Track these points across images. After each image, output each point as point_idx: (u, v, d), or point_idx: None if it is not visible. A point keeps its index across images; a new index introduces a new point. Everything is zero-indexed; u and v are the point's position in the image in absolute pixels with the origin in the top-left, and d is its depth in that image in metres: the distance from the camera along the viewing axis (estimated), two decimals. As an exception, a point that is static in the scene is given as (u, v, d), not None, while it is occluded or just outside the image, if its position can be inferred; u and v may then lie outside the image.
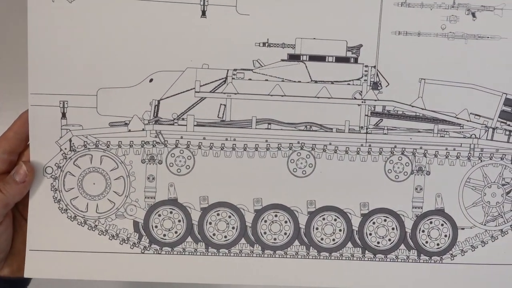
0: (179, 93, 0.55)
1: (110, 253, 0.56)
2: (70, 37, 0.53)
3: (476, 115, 0.56)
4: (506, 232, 0.58)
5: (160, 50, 0.54)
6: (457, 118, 0.56)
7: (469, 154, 0.57)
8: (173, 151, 0.56)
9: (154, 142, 0.55)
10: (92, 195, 0.56)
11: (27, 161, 0.54)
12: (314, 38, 0.54)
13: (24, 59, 0.53)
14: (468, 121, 0.56)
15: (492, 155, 0.57)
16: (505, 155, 0.57)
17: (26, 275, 0.54)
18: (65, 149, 0.55)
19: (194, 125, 0.55)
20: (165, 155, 0.56)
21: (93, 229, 0.56)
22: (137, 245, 0.56)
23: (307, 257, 0.57)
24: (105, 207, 0.56)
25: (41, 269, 0.55)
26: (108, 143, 0.55)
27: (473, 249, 0.58)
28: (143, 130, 0.55)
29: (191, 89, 0.55)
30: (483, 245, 0.58)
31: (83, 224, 0.55)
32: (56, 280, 0.55)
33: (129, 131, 0.55)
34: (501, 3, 0.54)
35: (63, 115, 0.54)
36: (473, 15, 0.54)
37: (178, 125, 0.55)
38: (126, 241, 0.56)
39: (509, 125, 0.56)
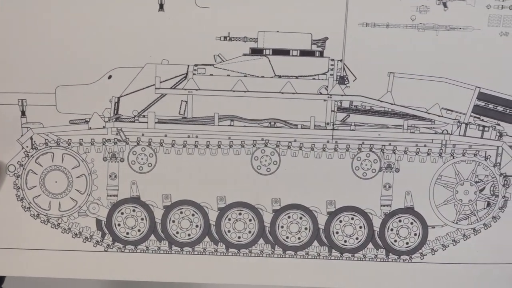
0: (139, 90, 0.52)
1: (73, 251, 0.53)
2: (26, 35, 0.49)
3: (448, 110, 0.52)
4: (479, 231, 0.54)
5: (118, 46, 0.49)
6: (428, 113, 0.52)
7: (441, 151, 0.53)
8: (135, 149, 0.53)
9: (115, 139, 0.53)
10: (54, 193, 0.53)
11: (-7, 159, 0.52)
12: (278, 31, 0.50)
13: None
14: (439, 116, 0.52)
15: (465, 151, 0.53)
16: (478, 151, 0.53)
17: (-11, 273, 0.53)
18: (27, 147, 0.51)
19: (155, 122, 0.52)
20: (126, 152, 0.52)
21: (56, 227, 0.53)
22: (100, 243, 0.53)
23: (272, 255, 0.53)
24: (68, 205, 0.52)
25: (5, 267, 0.52)
26: (69, 141, 0.52)
27: (444, 248, 0.54)
28: (103, 127, 0.52)
29: (151, 85, 0.52)
30: (454, 244, 0.54)
31: (46, 222, 0.53)
32: (22, 278, 0.54)
33: (90, 128, 0.52)
34: (473, -8, 0.49)
35: (23, 113, 0.51)
36: (444, 5, 0.49)
37: (139, 122, 0.52)
38: (89, 239, 0.53)
39: (482, 120, 0.52)
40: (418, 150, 0.52)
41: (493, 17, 0.49)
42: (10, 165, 0.52)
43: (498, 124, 0.52)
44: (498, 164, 0.52)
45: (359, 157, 0.52)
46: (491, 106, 0.51)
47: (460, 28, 0.49)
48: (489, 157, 0.52)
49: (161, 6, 0.50)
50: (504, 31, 0.49)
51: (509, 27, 0.49)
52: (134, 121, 0.52)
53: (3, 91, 0.51)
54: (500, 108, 0.51)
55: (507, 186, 0.52)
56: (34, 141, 0.52)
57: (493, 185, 0.53)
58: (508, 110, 0.51)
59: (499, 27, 0.49)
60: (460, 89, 0.51)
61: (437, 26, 0.49)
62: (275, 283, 0.53)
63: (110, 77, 0.51)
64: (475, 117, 0.52)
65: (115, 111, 0.52)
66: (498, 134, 0.52)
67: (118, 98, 0.51)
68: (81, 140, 0.52)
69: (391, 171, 0.52)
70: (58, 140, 0.52)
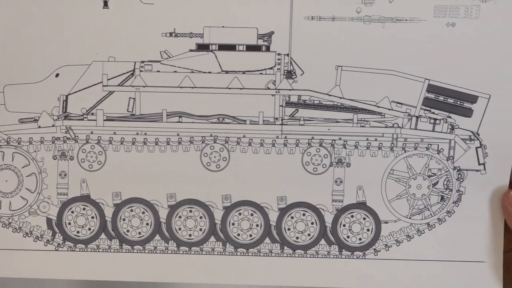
0: (86, 88, 0.51)
1: (24, 250, 0.51)
2: None
3: (398, 103, 0.50)
4: (433, 226, 0.51)
5: (64, 43, 0.48)
6: (378, 106, 0.50)
7: (392, 145, 0.51)
8: (84, 147, 0.51)
9: (65, 138, 0.51)
10: (4, 192, 0.51)
11: None
12: (223, 26, 0.49)
13: None
14: (389, 109, 0.50)
15: (417, 145, 0.51)
16: (430, 144, 0.51)
17: None
18: (-23, 146, 0.52)
19: (104, 120, 0.51)
20: (76, 151, 0.51)
21: (7, 226, 0.51)
22: (51, 242, 0.51)
23: (223, 253, 0.52)
24: (18, 204, 0.51)
25: None
26: (19, 139, 0.51)
27: (398, 244, 0.52)
28: (53, 126, 0.50)
29: (98, 83, 0.51)
30: (409, 239, 0.52)
31: (-4, 222, 0.52)
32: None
33: (39, 127, 0.50)
34: (418, -18, 0.48)
35: None
36: (389, -4, 0.48)
37: (88, 120, 0.50)
38: (40, 239, 0.52)
39: (433, 113, 0.50)
40: (369, 144, 0.50)
41: (438, 8, 0.47)
42: (-39, 165, 0.51)
43: (450, 117, 0.50)
44: (451, 158, 0.50)
45: (309, 152, 0.51)
46: (441, 98, 0.49)
47: (406, 20, 0.48)
48: (441, 150, 0.50)
49: (106, 3, 0.49)
50: (450, 21, 0.47)
51: (456, 17, 0.47)
52: (83, 119, 0.51)
53: (-49, 90, 0.50)
54: (450, 100, 0.49)
55: (461, 180, 0.50)
56: (-16, 141, 0.51)
57: (447, 179, 0.51)
58: (459, 102, 0.49)
59: (445, 17, 0.47)
60: (409, 82, 0.49)
61: (383, 18, 0.48)
62: (226, 282, 0.52)
63: (57, 75, 0.50)
64: (425, 109, 0.50)
65: (64, 109, 0.51)
66: (450, 126, 0.50)
67: (66, 96, 0.50)
68: (31, 139, 0.51)
69: (342, 166, 0.51)
70: (8, 139, 0.51)
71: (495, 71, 0.48)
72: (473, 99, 0.49)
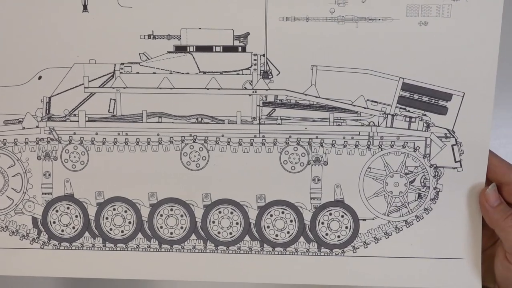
0: (68, 89, 0.51)
1: (10, 248, 0.52)
2: None
3: (373, 101, 0.49)
4: (411, 223, 0.51)
5: (45, 47, 0.49)
6: (354, 105, 0.50)
7: (369, 143, 0.50)
8: (67, 147, 0.52)
9: (48, 138, 0.51)
10: (-9, 192, 0.53)
11: None
12: (200, 28, 0.49)
13: None
14: (365, 108, 0.49)
15: (393, 143, 0.50)
16: (407, 142, 0.50)
17: None
18: (-36, 148, 0.52)
19: (86, 121, 0.51)
20: (59, 151, 0.51)
21: (-6, 225, 0.53)
22: (36, 241, 0.52)
23: (204, 251, 0.51)
24: (4, 203, 0.52)
25: None
26: (4, 140, 0.51)
27: (376, 241, 0.51)
28: (36, 127, 0.51)
29: (80, 85, 0.51)
30: (387, 236, 0.51)
31: (-16, 221, 0.53)
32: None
33: (24, 128, 0.51)
34: (390, -18, 0.47)
35: None
36: (362, -4, 0.48)
37: (71, 121, 0.51)
38: (26, 237, 0.52)
39: (408, 111, 0.50)
40: (345, 142, 0.50)
41: (411, 7, 0.47)
42: (-52, 166, 0.52)
43: (425, 115, 0.49)
44: (427, 155, 0.50)
45: (286, 151, 0.50)
46: (416, 96, 0.49)
47: (379, 20, 0.47)
48: (418, 148, 0.50)
49: (85, 7, 0.49)
50: (423, 20, 0.47)
51: (428, 16, 0.47)
52: (65, 120, 0.51)
53: None
54: (425, 98, 0.49)
55: (438, 177, 0.50)
56: (-29, 142, 0.51)
57: (424, 177, 0.50)
58: (433, 100, 0.48)
59: (417, 16, 0.47)
60: (384, 80, 0.48)
61: (356, 18, 0.47)
62: (207, 279, 0.52)
63: (40, 77, 0.50)
64: (401, 108, 0.49)
65: (47, 110, 0.51)
66: (425, 124, 0.49)
67: (49, 98, 0.51)
68: (15, 140, 0.51)
69: (319, 164, 0.50)
70: (-6, 141, 0.51)
71: (469, 69, 0.47)
72: (447, 97, 0.48)
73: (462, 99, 0.48)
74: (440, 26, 0.46)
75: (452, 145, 0.49)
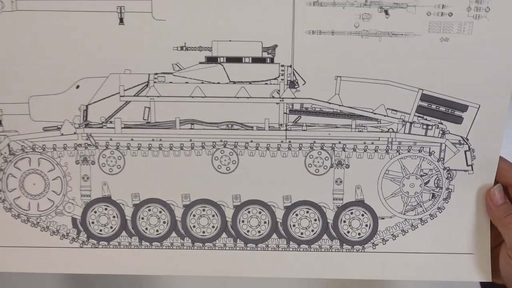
0: (105, 98, 0.53)
1: (51, 247, 0.54)
2: None
3: (393, 110, 0.52)
4: (425, 221, 0.54)
5: (83, 57, 0.50)
6: (374, 113, 0.52)
7: (387, 148, 0.53)
8: (104, 152, 0.54)
9: (86, 144, 0.53)
10: (33, 194, 0.54)
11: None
12: (230, 40, 0.51)
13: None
14: (385, 116, 0.52)
15: (410, 147, 0.53)
16: (423, 147, 0.53)
17: (-25, 269, 0.55)
18: (5, 153, 0.53)
19: (122, 127, 0.52)
20: (97, 156, 0.53)
21: (36, 226, 0.54)
22: (76, 240, 0.54)
23: (234, 248, 0.54)
24: (45, 205, 0.54)
25: None
26: (44, 146, 0.53)
27: (394, 238, 0.54)
28: (74, 133, 0.53)
29: (116, 93, 0.52)
30: (403, 234, 0.54)
31: (26, 222, 0.54)
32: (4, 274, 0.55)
33: (62, 134, 0.53)
34: (413, 0, 0.49)
35: None
36: (386, 12, 0.49)
37: (107, 127, 0.52)
38: (65, 237, 0.54)
39: (426, 119, 0.52)
40: (366, 147, 0.52)
41: (433, 24, 0.49)
42: (-9, 170, 0.54)
43: (441, 123, 0.52)
44: (441, 159, 0.52)
45: (311, 155, 0.53)
46: (434, 106, 0.51)
47: (402, 34, 0.49)
48: (433, 152, 0.52)
49: (121, 20, 0.50)
50: (444, 36, 0.49)
51: (449, 33, 0.49)
52: (102, 127, 0.53)
53: (-20, 103, 0.52)
54: (442, 108, 0.51)
55: (451, 178, 0.53)
56: (11, 148, 0.53)
57: (437, 178, 0.53)
58: (450, 110, 0.51)
59: (439, 33, 0.49)
60: (404, 91, 0.51)
61: (380, 32, 0.49)
62: (237, 275, 0.55)
63: (78, 86, 0.52)
64: (419, 116, 0.52)
65: (84, 118, 0.53)
66: (441, 132, 0.52)
67: (87, 106, 0.52)
68: (54, 146, 0.53)
69: (341, 167, 0.53)
70: (34, 146, 0.53)
71: (485, 83, 0.49)
72: (463, 108, 0.51)
73: (477, 111, 0.50)
74: (461, 43, 0.49)
75: (465, 151, 0.52)
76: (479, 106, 0.50)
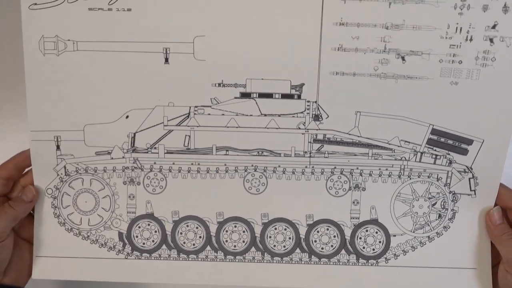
0: (150, 127, 0.58)
1: (100, 258, 0.60)
2: (59, 84, 0.56)
3: (406, 141, 0.57)
4: (433, 238, 0.60)
5: (133, 91, 0.56)
6: (389, 144, 0.58)
7: (400, 173, 0.58)
8: (149, 174, 0.60)
9: (133, 167, 0.59)
10: (84, 211, 0.60)
11: (31, 184, 0.58)
12: (262, 79, 0.57)
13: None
14: (398, 146, 0.58)
15: (420, 174, 0.58)
16: (431, 173, 0.58)
17: (34, 277, 0.59)
18: (61, 174, 0.58)
19: (165, 153, 0.58)
20: (142, 177, 0.59)
21: (86, 239, 0.60)
22: (121, 252, 0.60)
23: (262, 261, 0.60)
24: (95, 220, 0.60)
25: (45, 272, 0.59)
26: (96, 168, 0.59)
27: (404, 253, 0.60)
28: (123, 157, 0.58)
29: (160, 123, 0.58)
30: (413, 250, 0.60)
31: (78, 235, 0.60)
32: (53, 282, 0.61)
33: (112, 158, 0.58)
34: (428, 49, 0.54)
35: (58, 147, 0.58)
36: (403, 58, 0.54)
37: (152, 153, 0.58)
38: (112, 249, 0.60)
39: (435, 150, 0.58)
40: (381, 172, 0.58)
41: (444, 70, 0.54)
42: (48, 189, 0.60)
43: (448, 154, 0.57)
44: (448, 184, 0.58)
45: (332, 179, 0.58)
46: (442, 139, 0.57)
47: (416, 78, 0.55)
48: (440, 178, 0.58)
49: (167, 60, 0.56)
50: (454, 81, 0.54)
51: (459, 78, 0.54)
52: (147, 152, 0.58)
53: (43, 129, 0.57)
54: (450, 141, 0.57)
55: (456, 201, 0.58)
56: (67, 169, 0.59)
57: (444, 201, 0.59)
58: (457, 143, 0.56)
59: (449, 77, 0.54)
60: (416, 126, 0.56)
61: (397, 75, 0.55)
62: (265, 285, 0.60)
63: (127, 117, 0.57)
64: (429, 147, 0.57)
65: (132, 144, 0.58)
66: (448, 161, 0.57)
67: (134, 134, 0.58)
68: (105, 168, 0.59)
69: (358, 190, 0.59)
70: (87, 168, 0.59)
71: (489, 122, 0.55)
72: (469, 142, 0.56)
73: (481, 145, 0.56)
74: (469, 87, 0.54)
75: (469, 178, 0.57)
76: (483, 141, 0.56)
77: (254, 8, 0.54)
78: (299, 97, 0.56)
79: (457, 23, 0.53)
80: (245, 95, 0.56)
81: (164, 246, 0.61)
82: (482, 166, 0.57)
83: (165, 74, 0.56)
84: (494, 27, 0.53)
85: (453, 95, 0.55)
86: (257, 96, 0.57)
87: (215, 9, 0.54)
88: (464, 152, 0.57)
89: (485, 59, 0.53)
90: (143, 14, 0.54)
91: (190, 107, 0.57)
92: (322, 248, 0.60)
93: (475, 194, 0.58)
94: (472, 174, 0.57)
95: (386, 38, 0.54)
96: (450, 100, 0.55)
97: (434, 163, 0.58)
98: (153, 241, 0.60)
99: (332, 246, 0.60)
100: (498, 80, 0.54)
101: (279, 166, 0.58)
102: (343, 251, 0.60)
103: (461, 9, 0.52)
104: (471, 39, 0.53)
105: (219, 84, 0.56)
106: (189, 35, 0.55)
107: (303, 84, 0.56)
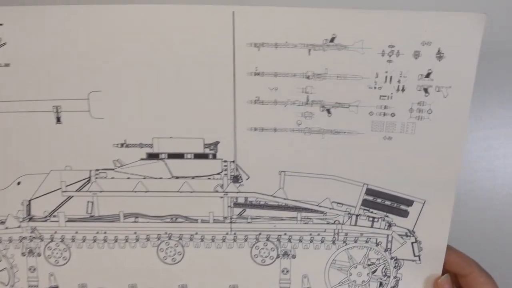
0: (47, 193, 0.51)
1: (2, 336, 0.54)
2: None
3: (338, 203, 0.50)
4: (373, 309, 0.53)
5: (23, 155, 0.48)
6: (320, 206, 0.50)
7: (334, 238, 0.51)
8: (50, 245, 0.52)
9: (31, 237, 0.52)
10: (-20, 285, 0.53)
11: None
12: (171, 137, 0.49)
13: None
14: (330, 209, 0.50)
15: (356, 238, 0.51)
16: (370, 238, 0.51)
17: None
18: (-49, 246, 0.52)
19: (66, 221, 0.51)
20: (42, 248, 0.51)
21: (-15, 315, 0.54)
22: (26, 329, 0.54)
23: (183, 335, 0.54)
24: (-7, 296, 0.53)
25: None
26: (-11, 239, 0.52)
27: (341, 325, 0.53)
28: (19, 227, 0.51)
29: (58, 189, 0.50)
30: (351, 321, 0.53)
31: (-25, 312, 0.54)
32: None
33: (7, 228, 0.51)
34: (355, 100, 0.46)
35: None
36: (328, 111, 0.46)
37: (51, 221, 0.51)
38: (15, 326, 0.54)
39: (371, 212, 0.50)
40: (312, 238, 0.50)
41: (376, 123, 0.46)
42: None
43: (387, 216, 0.49)
44: (389, 249, 0.50)
45: (257, 246, 0.51)
46: (379, 200, 0.49)
47: (345, 132, 0.47)
48: (380, 243, 0.50)
49: (58, 119, 0.48)
50: (387, 135, 0.46)
51: (392, 132, 0.46)
52: (46, 220, 0.51)
53: None
54: (387, 202, 0.49)
55: (398, 267, 0.51)
56: (-43, 241, 0.51)
57: (385, 267, 0.51)
58: (395, 204, 0.49)
59: (382, 131, 0.46)
60: (348, 185, 0.48)
61: (323, 130, 0.47)
62: None
63: (19, 183, 0.49)
64: (364, 209, 0.49)
65: (28, 212, 0.50)
66: (387, 224, 0.50)
67: (29, 201, 0.50)
68: (0, 238, 0.51)
69: (288, 258, 0.51)
70: (-21, 239, 0.51)
71: (430, 180, 0.47)
72: (409, 202, 0.48)
73: (423, 206, 0.48)
74: (404, 141, 0.46)
75: (412, 243, 0.50)
76: (425, 201, 0.48)
77: (157, 57, 0.45)
78: (214, 156, 0.48)
79: (386, 72, 0.44)
80: (153, 156, 0.48)
81: (72, 323, 0.53)
82: (425, 229, 0.49)
83: (59, 135, 0.48)
84: (428, 75, 0.44)
85: (387, 151, 0.47)
86: (166, 156, 0.48)
87: (111, 59, 0.46)
88: (404, 214, 0.49)
89: (421, 111, 0.45)
90: (25, 68, 0.46)
91: (90, 171, 0.49)
92: (250, 321, 0.53)
93: (419, 259, 0.50)
94: (415, 238, 0.49)
95: (308, 88, 0.45)
96: (384, 156, 0.47)
97: (372, 227, 0.50)
98: (59, 317, 0.53)
99: (260, 318, 0.53)
100: (436, 133, 0.46)
101: (196, 234, 0.51)
102: (273, 324, 0.53)
103: (390, 56, 0.44)
104: (403, 89, 0.45)
105: (122, 145, 0.48)
106: (82, 91, 0.46)
107: (217, 142, 0.48)
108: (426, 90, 0.44)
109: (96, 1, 0.45)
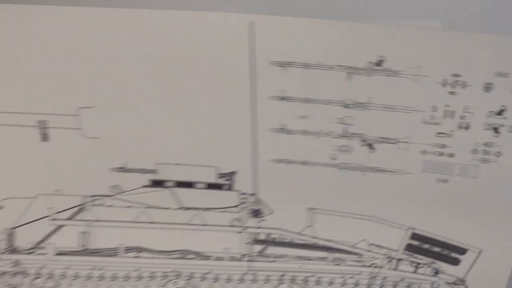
0: (33, 221, 0.49)
1: None
2: None
3: (377, 245, 0.48)
4: None
5: (7, 176, 0.47)
6: (355, 247, 0.48)
7: (369, 282, 0.49)
8: (35, 282, 0.51)
9: (13, 272, 0.51)
10: (-42, 321, 0.53)
11: None
12: (179, 164, 0.46)
13: None
14: (367, 251, 0.48)
15: (396, 283, 0.49)
16: (412, 284, 0.49)
17: None
18: None
19: (55, 254, 0.50)
20: (26, 285, 0.51)
21: None
22: None
23: None
24: (-27, 332, 0.53)
25: None
26: (-33, 271, 0.51)
27: None
28: (-1, 259, 0.51)
29: (45, 216, 0.49)
30: None
31: None
32: None
33: None
34: (405, 136, 0.43)
35: None
36: (370, 146, 0.44)
37: (37, 254, 0.50)
38: None
39: (416, 257, 0.48)
40: (344, 281, 0.49)
41: (429, 163, 0.43)
42: None
43: (434, 263, 0.47)
44: (434, 296, 0.49)
45: (280, 288, 0.50)
46: (426, 246, 0.47)
47: (390, 171, 0.44)
48: (423, 289, 0.49)
49: (45, 136, 0.45)
50: (442, 177, 0.44)
51: (449, 174, 0.43)
52: (31, 253, 0.49)
53: None
54: (436, 249, 0.47)
55: (444, 317, 0.49)
56: None
57: (428, 316, 0.50)
58: (445, 252, 0.47)
59: (436, 173, 0.44)
60: (390, 228, 0.46)
61: (363, 167, 0.44)
62: None
63: (1, 207, 0.48)
64: (408, 254, 0.47)
65: (10, 242, 0.49)
66: (434, 271, 0.48)
67: (12, 229, 0.49)
68: (-21, 271, 0.50)
69: (315, 302, 0.50)
70: (-44, 271, 0.50)
71: (490, 228, 0.45)
72: (461, 251, 0.46)
73: (478, 255, 0.46)
74: (463, 186, 0.44)
75: (462, 292, 0.48)
76: (481, 251, 0.46)
77: (161, 69, 0.42)
78: (229, 187, 0.46)
79: (447, 105, 0.41)
80: (157, 183, 0.46)
81: None
82: (479, 279, 0.47)
83: (45, 155, 0.46)
84: (500, 113, 0.41)
85: (440, 195, 0.44)
86: (173, 185, 0.46)
87: (109, 69, 0.42)
88: (455, 262, 0.47)
89: (487, 153, 0.42)
90: (4, 74, 0.43)
91: (83, 197, 0.47)
92: None
93: (469, 309, 0.49)
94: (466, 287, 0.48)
95: (346, 119, 0.42)
96: (436, 200, 0.44)
97: (415, 272, 0.48)
98: None
99: None
100: (503, 179, 0.43)
101: (209, 272, 0.49)
102: None
103: (453, 87, 0.40)
104: (467, 127, 0.42)
105: (121, 169, 0.46)
106: (73, 105, 0.44)
107: (233, 172, 0.45)
108: (496, 130, 0.41)
109: (93, 3, 0.41)
